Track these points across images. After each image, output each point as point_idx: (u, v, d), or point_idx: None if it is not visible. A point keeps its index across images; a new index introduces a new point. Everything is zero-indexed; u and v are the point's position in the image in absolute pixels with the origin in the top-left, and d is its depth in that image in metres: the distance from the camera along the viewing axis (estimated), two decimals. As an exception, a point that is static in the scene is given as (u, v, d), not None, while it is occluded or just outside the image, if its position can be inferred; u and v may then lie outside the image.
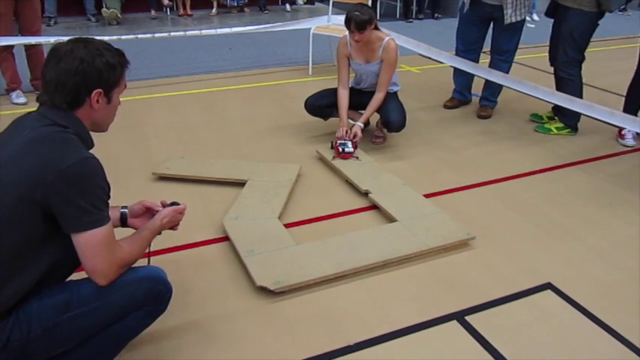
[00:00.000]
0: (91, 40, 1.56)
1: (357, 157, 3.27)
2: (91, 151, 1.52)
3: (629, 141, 3.71)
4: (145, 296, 1.60)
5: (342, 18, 5.29)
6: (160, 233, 1.76)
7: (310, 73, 5.19)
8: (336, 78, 3.53)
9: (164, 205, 1.82)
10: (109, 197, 1.52)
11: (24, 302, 1.47)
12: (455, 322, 2.05)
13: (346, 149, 3.27)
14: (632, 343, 1.96)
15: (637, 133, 3.71)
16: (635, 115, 3.57)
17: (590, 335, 2.01)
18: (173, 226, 1.82)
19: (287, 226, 2.60)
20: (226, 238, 2.51)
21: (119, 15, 7.40)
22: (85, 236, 1.43)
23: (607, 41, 6.82)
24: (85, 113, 1.54)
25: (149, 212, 1.85)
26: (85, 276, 1.52)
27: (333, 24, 5.30)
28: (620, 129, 3.74)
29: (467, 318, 2.07)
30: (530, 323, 2.06)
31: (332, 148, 3.36)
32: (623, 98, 3.82)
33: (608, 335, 2.01)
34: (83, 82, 1.49)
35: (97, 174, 1.47)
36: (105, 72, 1.52)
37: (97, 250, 1.45)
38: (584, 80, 3.75)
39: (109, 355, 1.66)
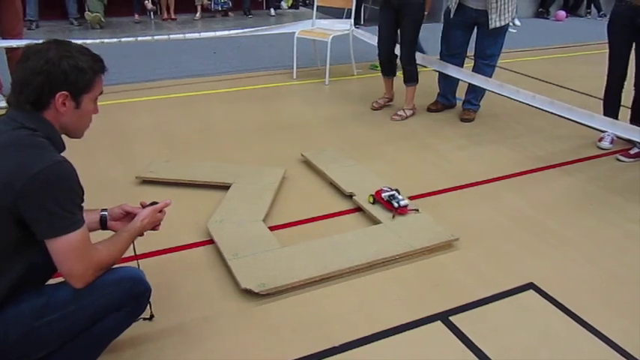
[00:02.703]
0: (66, 42, 1.51)
1: (417, 210, 2.75)
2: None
3: (606, 144, 3.76)
4: (124, 296, 1.57)
5: (326, 22, 5.35)
6: (141, 235, 1.73)
7: (295, 77, 5.19)
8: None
9: (143, 206, 1.79)
10: (82, 200, 1.48)
11: (0, 308, 1.44)
12: (439, 322, 2.07)
13: (401, 202, 2.71)
14: (615, 342, 1.99)
15: (615, 136, 3.77)
16: (616, 118, 3.63)
17: (573, 334, 2.04)
18: (154, 227, 1.78)
19: (272, 228, 2.59)
20: (211, 242, 2.49)
21: (102, 19, 7.34)
22: (60, 241, 1.40)
23: (587, 45, 6.93)
24: (51, 116, 1.48)
25: (129, 216, 1.80)
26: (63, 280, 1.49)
27: (317, 28, 5.31)
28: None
29: (451, 318, 2.08)
30: (513, 323, 2.08)
31: (373, 203, 2.79)
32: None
33: (590, 334, 2.03)
34: (47, 82, 1.43)
35: (69, 177, 1.42)
36: (71, 74, 1.46)
37: (72, 254, 1.42)
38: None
39: (89, 357, 1.64)
